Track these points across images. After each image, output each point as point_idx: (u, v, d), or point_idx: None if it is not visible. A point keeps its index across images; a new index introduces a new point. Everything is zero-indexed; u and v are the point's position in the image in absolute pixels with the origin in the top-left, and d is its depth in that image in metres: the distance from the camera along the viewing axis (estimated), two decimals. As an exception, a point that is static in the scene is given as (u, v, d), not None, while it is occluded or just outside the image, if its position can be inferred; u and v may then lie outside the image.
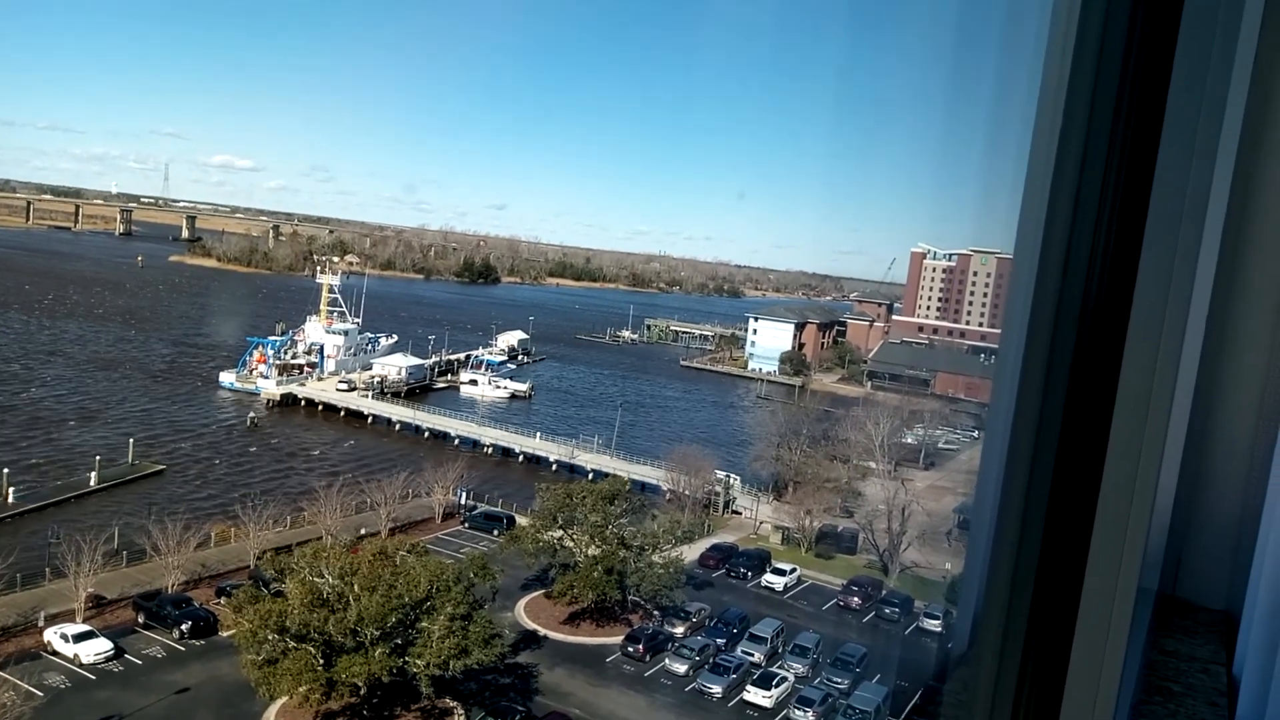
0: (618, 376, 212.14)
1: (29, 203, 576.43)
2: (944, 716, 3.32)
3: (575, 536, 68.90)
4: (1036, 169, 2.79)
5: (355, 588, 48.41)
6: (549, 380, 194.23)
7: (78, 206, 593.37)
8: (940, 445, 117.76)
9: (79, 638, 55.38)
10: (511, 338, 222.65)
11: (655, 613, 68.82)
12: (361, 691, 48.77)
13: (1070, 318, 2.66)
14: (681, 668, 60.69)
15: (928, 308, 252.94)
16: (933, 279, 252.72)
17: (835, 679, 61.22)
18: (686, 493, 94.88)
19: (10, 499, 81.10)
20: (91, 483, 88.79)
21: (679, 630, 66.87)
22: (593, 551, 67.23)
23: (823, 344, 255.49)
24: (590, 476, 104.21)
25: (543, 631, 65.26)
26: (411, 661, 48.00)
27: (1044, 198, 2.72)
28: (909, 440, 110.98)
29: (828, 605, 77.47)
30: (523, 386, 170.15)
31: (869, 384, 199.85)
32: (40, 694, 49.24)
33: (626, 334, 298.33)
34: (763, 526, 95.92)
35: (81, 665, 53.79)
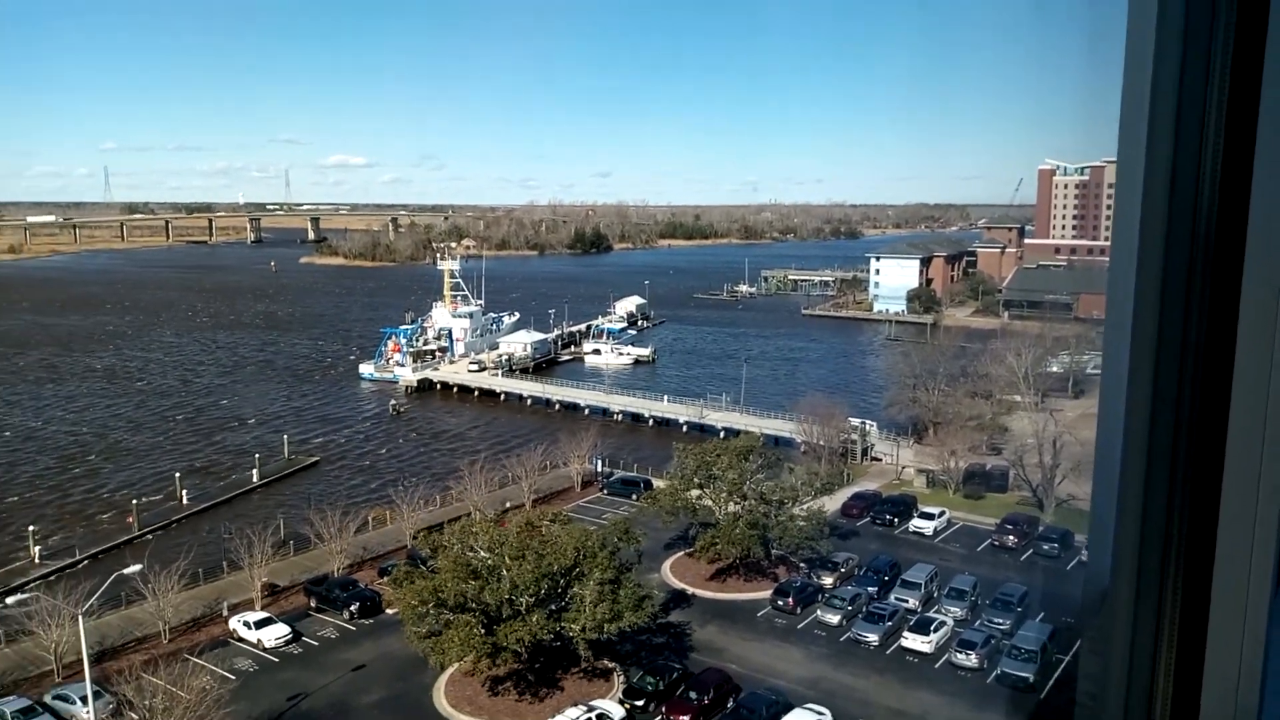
0: (739, 332, 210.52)
1: (167, 222, 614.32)
2: (1086, 653, 3.13)
3: (713, 495, 68.90)
4: (1136, 70, 2.59)
5: (505, 558, 49.83)
6: (670, 342, 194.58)
7: (211, 220, 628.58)
8: (1089, 370, 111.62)
9: (260, 624, 59.15)
10: (629, 304, 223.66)
11: (802, 565, 68.29)
12: (524, 657, 50.32)
13: (1184, 223, 2.53)
14: (834, 618, 60.09)
15: (1062, 227, 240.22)
16: (1065, 196, 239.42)
17: (996, 620, 59.43)
18: (821, 443, 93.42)
19: (184, 500, 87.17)
20: (254, 479, 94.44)
21: (828, 581, 66.15)
22: (731, 508, 67.13)
23: (952, 277, 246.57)
24: (721, 435, 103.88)
25: (690, 590, 65.72)
26: (568, 626, 49.16)
27: (1147, 102, 2.55)
28: (1054, 369, 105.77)
29: (981, 546, 75.15)
30: (645, 351, 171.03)
31: (1006, 314, 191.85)
32: (232, 677, 52.91)
33: (744, 288, 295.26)
34: (905, 471, 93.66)
35: (265, 649, 57.48)
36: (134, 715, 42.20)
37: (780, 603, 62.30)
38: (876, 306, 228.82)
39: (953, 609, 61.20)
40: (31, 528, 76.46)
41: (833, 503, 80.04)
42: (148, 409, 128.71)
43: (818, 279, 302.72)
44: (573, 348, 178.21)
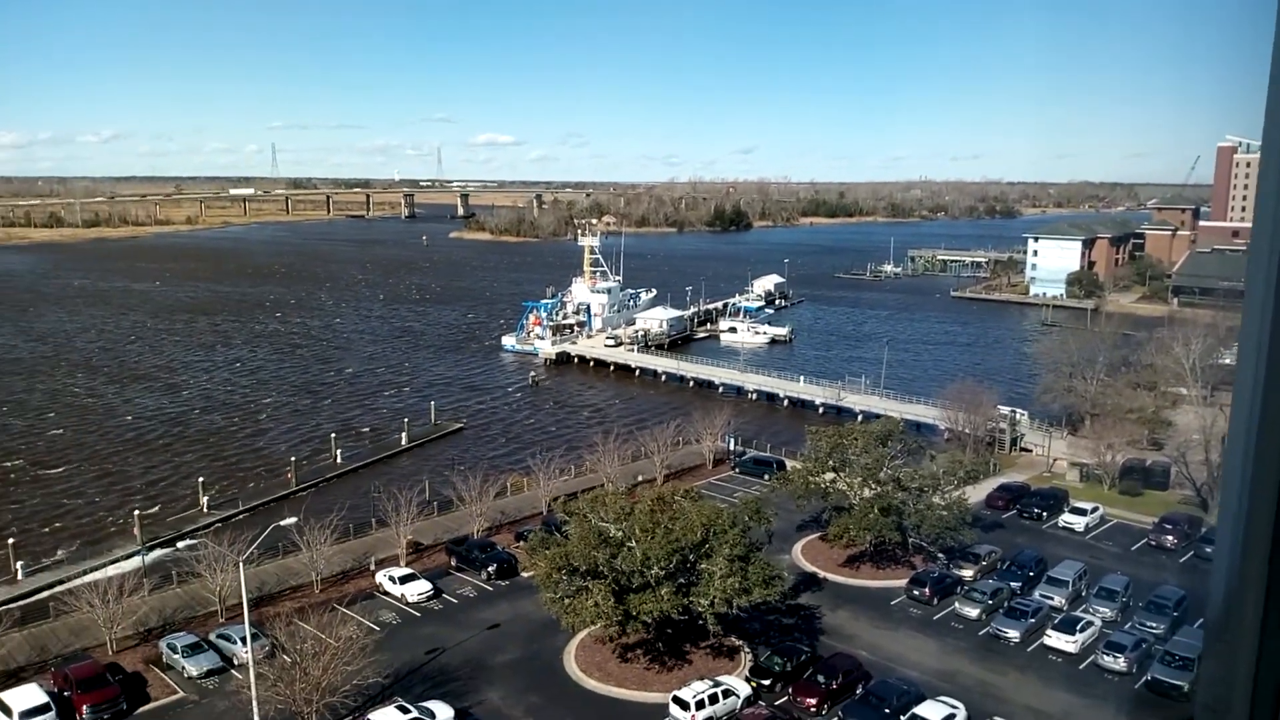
0: (881, 313, 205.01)
1: (328, 196, 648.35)
2: (1209, 656, 3.00)
3: (847, 479, 67.44)
4: None
5: (636, 530, 50.32)
6: (809, 322, 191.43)
7: (368, 195, 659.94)
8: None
9: (404, 579, 61.97)
10: (767, 282, 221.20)
11: (940, 555, 66.05)
12: (652, 628, 50.83)
13: None
14: (973, 611, 57.91)
15: (1243, 209, 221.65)
16: (1247, 176, 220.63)
17: (1149, 623, 55.88)
18: (967, 431, 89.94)
19: (338, 459, 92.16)
20: (403, 442, 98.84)
21: (968, 573, 63.77)
22: (867, 493, 65.51)
23: (1116, 260, 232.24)
24: (859, 418, 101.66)
25: (822, 574, 64.69)
26: (696, 600, 49.26)
27: None
28: (1226, 361, 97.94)
29: (1136, 545, 70.75)
30: (782, 331, 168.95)
31: (1175, 301, 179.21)
32: (377, 629, 55.73)
33: (888, 268, 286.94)
34: (1057, 464, 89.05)
35: (407, 604, 60.23)
36: (286, 658, 44.98)
37: (916, 592, 60.53)
38: (1033, 290, 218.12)
39: (1102, 609, 57.94)
40: (201, 479, 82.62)
41: (976, 493, 77.01)
42: (308, 373, 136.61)
43: (969, 260, 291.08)
44: (708, 325, 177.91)
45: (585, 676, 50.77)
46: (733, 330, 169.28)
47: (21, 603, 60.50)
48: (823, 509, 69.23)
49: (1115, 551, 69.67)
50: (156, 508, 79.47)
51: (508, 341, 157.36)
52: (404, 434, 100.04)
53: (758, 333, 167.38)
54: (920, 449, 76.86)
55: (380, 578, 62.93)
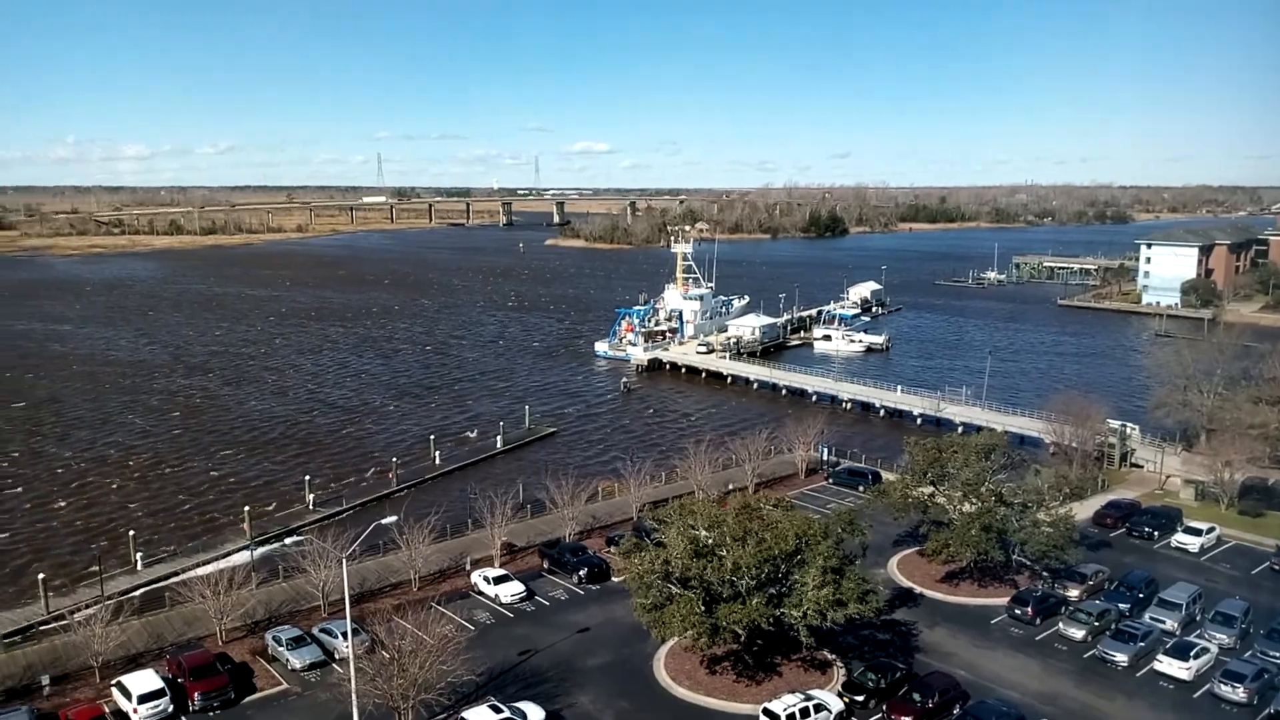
0: (983, 322, 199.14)
1: (430, 205, 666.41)
2: None
3: (947, 492, 65.66)
4: None
5: (726, 539, 50.00)
6: (906, 330, 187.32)
7: (468, 204, 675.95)
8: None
9: (498, 580, 63.03)
10: (864, 289, 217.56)
11: (1044, 574, 63.66)
12: (742, 638, 50.41)
13: None
14: (1078, 633, 55.60)
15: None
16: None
17: (1272, 652, 52.73)
18: (1073, 445, 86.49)
19: (437, 460, 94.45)
20: (498, 445, 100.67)
21: (1073, 593, 61.28)
22: (967, 508, 63.63)
23: (1237, 268, 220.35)
24: (960, 430, 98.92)
25: (919, 589, 63.12)
26: (787, 612, 48.64)
27: None
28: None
29: (1258, 569, 66.82)
30: (879, 339, 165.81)
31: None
32: (472, 628, 56.84)
33: (991, 275, 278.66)
34: (1170, 481, 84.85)
35: (501, 604, 61.23)
36: (385, 654, 46.23)
37: (1018, 611, 58.47)
38: (1145, 298, 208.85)
39: (1218, 635, 54.89)
40: (308, 477, 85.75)
41: (1083, 510, 74.02)
42: (410, 377, 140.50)
43: (1077, 267, 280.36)
44: (802, 333, 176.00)
45: (674, 684, 50.69)
46: (827, 338, 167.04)
47: (141, 592, 63.88)
48: (920, 523, 67.55)
49: (1233, 574, 65.97)
50: (271, 505, 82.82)
51: (600, 347, 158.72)
52: (499, 437, 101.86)
53: (853, 340, 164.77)
54: (1024, 463, 74.23)
55: (475, 578, 64.16)
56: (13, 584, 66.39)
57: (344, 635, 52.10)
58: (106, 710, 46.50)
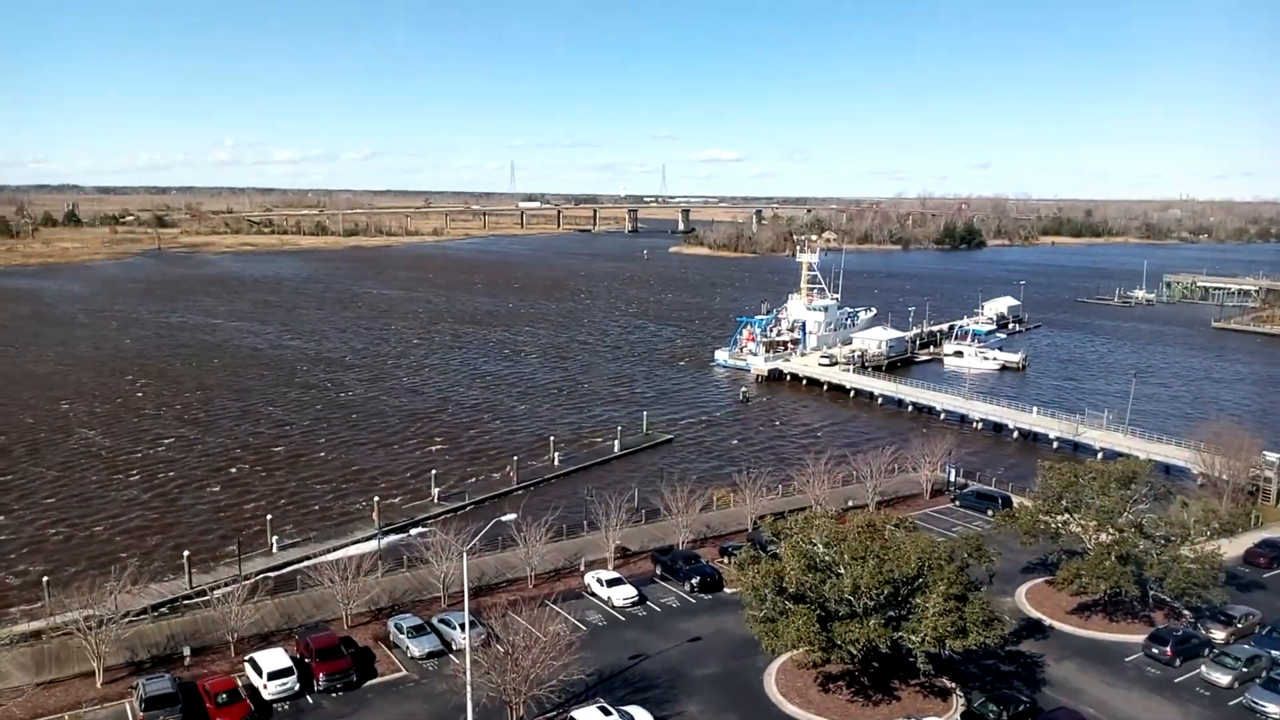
0: (1129, 343, 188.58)
1: (559, 211, 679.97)
2: None
3: (1081, 521, 62.28)
4: None
5: (845, 557, 48.79)
6: (1045, 349, 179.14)
7: (594, 211, 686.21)
8: None
9: (611, 583, 63.47)
10: (1000, 305, 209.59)
11: (1185, 613, 59.58)
12: (858, 659, 49.08)
13: None
14: (1223, 678, 51.71)
15: None
16: None
17: None
18: (1224, 477, 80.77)
19: (556, 461, 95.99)
20: (615, 449, 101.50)
21: (1218, 635, 57.08)
22: (1103, 538, 60.14)
23: None
24: (1099, 456, 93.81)
25: (1047, 620, 60.07)
26: (906, 636, 47.07)
27: None
28: None
29: None
30: (1014, 357, 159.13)
31: None
32: (583, 628, 57.37)
33: (1139, 294, 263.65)
34: (1334, 520, 78.16)
35: (613, 607, 61.61)
36: (499, 648, 47.17)
37: (1155, 650, 54.86)
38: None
39: (1390, 695, 50.00)
40: (433, 471, 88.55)
41: (1233, 548, 68.91)
42: (534, 380, 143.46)
43: (1235, 287, 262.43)
44: (932, 348, 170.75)
45: (785, 700, 49.76)
46: (959, 354, 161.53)
47: (275, 573, 67.21)
48: (1051, 551, 64.36)
49: None
50: (398, 497, 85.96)
51: (720, 356, 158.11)
52: (616, 441, 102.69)
53: (986, 358, 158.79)
54: (1168, 494, 69.81)
55: (589, 579, 64.76)
56: (162, 560, 70.99)
57: (461, 627, 53.46)
58: (239, 683, 49.06)
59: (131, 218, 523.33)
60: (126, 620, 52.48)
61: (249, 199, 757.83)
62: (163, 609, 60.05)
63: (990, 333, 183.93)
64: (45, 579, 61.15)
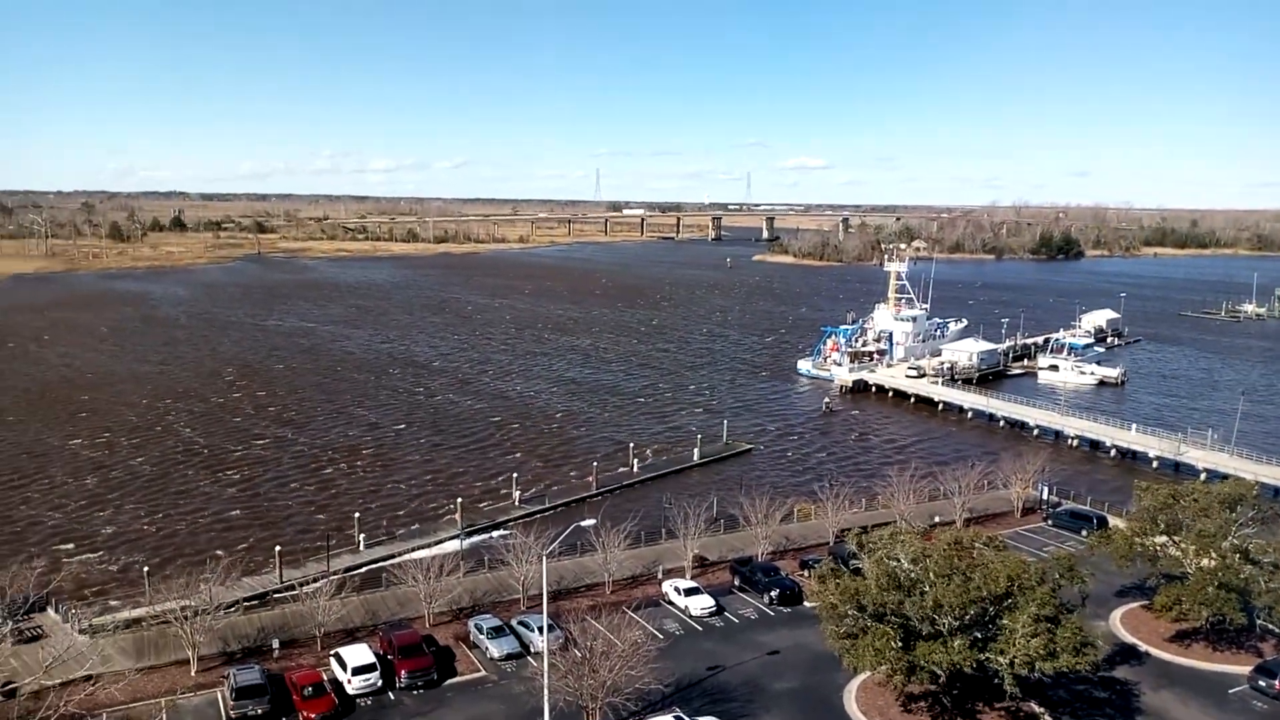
0: (1236, 359, 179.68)
1: (642, 219, 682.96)
2: None
3: (1182, 544, 59.38)
4: None
5: (930, 574, 47.50)
6: (1145, 364, 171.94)
7: (678, 219, 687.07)
8: None
9: (688, 592, 63.14)
10: (1098, 318, 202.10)
11: (1298, 645, 56.24)
12: (941, 680, 47.70)
13: None
14: (1341, 719, 48.63)
15: None
16: None
17: None
18: (1341, 501, 75.98)
19: (635, 468, 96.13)
20: (694, 458, 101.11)
21: (1335, 671, 53.70)
22: (1205, 563, 57.24)
23: None
24: (1202, 476, 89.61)
25: (1143, 647, 57.41)
26: (993, 658, 45.55)
27: None
28: None
29: None
30: (1113, 372, 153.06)
31: None
32: (660, 637, 57.14)
33: (1249, 308, 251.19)
34: None
35: (691, 616, 61.26)
36: (577, 652, 47.34)
37: (1262, 683, 51.90)
38: None
39: None
40: (515, 475, 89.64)
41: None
42: (615, 387, 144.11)
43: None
44: (1025, 361, 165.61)
45: (865, 719, 48.67)
46: (1054, 368, 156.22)
47: (361, 571, 68.88)
48: (1149, 575, 61.56)
49: None
50: (481, 499, 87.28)
51: (803, 366, 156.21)
52: (696, 450, 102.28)
53: (1083, 372, 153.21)
54: (1277, 518, 65.91)
55: (666, 587, 64.56)
56: (255, 555, 73.49)
57: (540, 630, 53.87)
58: (324, 677, 50.36)
59: (233, 224, 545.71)
60: (220, 611, 54.46)
61: (344, 206, 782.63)
62: (254, 602, 62.10)
63: (1088, 346, 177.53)
64: (145, 569, 63.90)
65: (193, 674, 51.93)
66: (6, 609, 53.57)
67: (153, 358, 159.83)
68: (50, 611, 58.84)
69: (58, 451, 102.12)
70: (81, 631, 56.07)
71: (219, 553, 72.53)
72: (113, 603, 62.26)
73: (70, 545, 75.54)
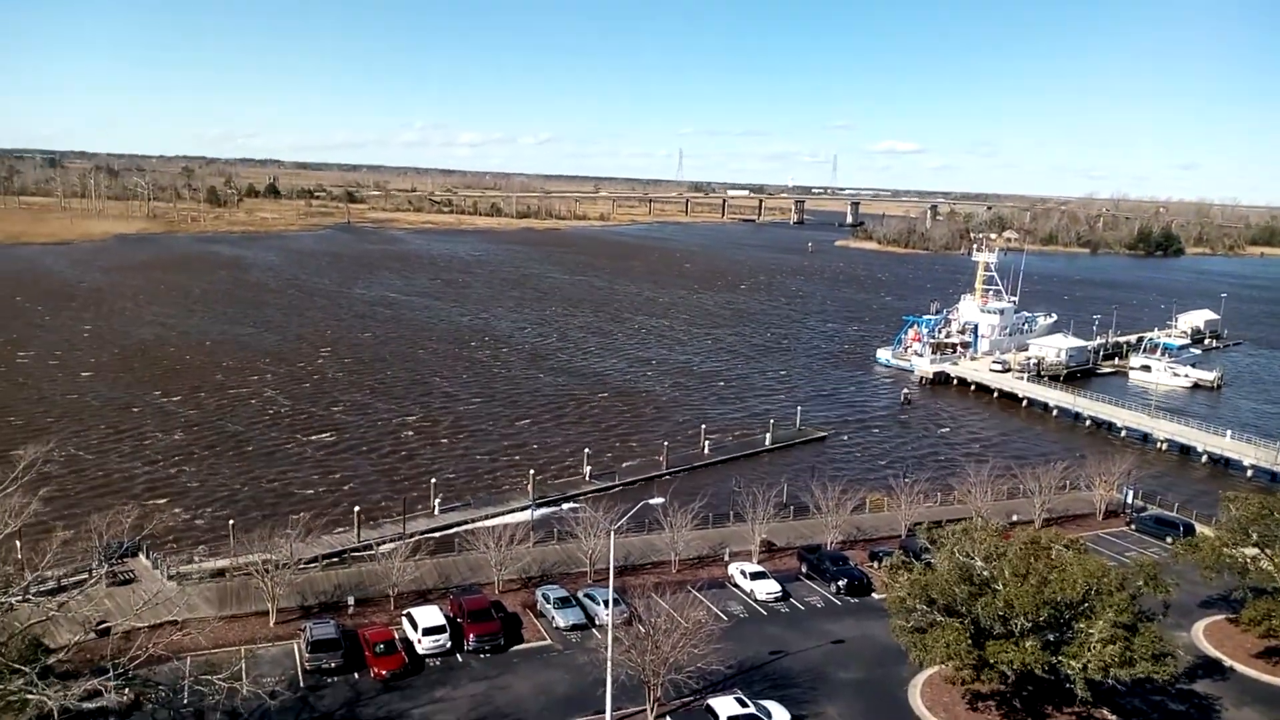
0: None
1: (724, 200, 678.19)
2: None
3: (1274, 557, 56.76)
4: None
5: (1005, 573, 46.40)
6: (1245, 368, 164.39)
7: (760, 201, 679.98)
8: None
9: (755, 576, 62.94)
10: (1196, 318, 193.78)
11: (1398, 670, 53.32)
12: (1010, 681, 46.69)
13: None
14: None
15: None
16: None
17: None
18: None
19: (705, 450, 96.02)
20: (766, 442, 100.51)
21: None
22: (1300, 578, 54.64)
23: None
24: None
25: (1228, 661, 55.21)
26: (1066, 662, 44.35)
27: None
28: None
29: None
30: (1209, 375, 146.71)
31: None
32: (725, 619, 57.18)
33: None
34: None
35: (756, 600, 61.09)
36: (641, 628, 47.68)
37: (1357, 708, 49.45)
38: None
39: None
40: (586, 450, 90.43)
41: None
42: (689, 368, 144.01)
43: None
44: (1116, 360, 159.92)
45: (930, 715, 47.94)
46: (1146, 368, 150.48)
47: (435, 535, 70.48)
48: (1236, 588, 59.06)
49: None
50: (552, 472, 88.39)
51: (882, 355, 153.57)
52: (768, 435, 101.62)
53: (1177, 374, 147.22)
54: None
55: (732, 570, 64.48)
56: (334, 514, 75.83)
57: (605, 603, 54.41)
58: (396, 635, 51.79)
59: (325, 192, 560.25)
60: (299, 566, 56.37)
61: (431, 179, 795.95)
62: (332, 559, 64.14)
63: (1183, 347, 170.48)
64: (231, 523, 66.49)
65: (271, 625, 53.95)
66: (104, 551, 56.34)
67: (243, 320, 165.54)
68: (142, 557, 61.72)
69: (150, 408, 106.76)
70: (170, 578, 58.73)
71: (300, 511, 75.08)
72: (198, 552, 65.04)
73: (160, 497, 79.10)
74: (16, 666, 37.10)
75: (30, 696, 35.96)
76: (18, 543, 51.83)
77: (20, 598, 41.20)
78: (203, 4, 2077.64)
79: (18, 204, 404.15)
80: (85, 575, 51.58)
